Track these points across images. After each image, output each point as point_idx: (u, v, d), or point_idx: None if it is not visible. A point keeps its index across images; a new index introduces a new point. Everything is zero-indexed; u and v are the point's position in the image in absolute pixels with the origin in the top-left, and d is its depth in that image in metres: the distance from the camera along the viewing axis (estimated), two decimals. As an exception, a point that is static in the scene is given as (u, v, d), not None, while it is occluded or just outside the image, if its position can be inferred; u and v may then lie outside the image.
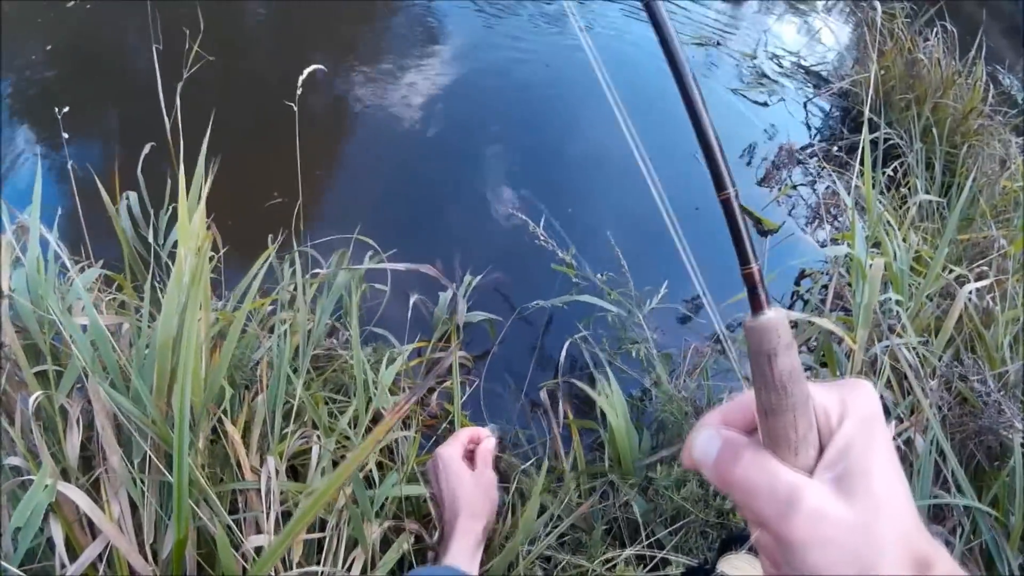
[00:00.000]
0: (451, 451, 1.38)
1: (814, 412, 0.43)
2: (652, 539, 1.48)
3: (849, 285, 1.86)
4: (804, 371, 0.44)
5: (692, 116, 0.45)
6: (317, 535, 1.29)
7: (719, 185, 0.44)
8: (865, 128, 1.90)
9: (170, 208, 1.81)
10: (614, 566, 1.43)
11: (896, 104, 2.93)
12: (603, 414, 1.65)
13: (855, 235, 1.65)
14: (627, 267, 1.88)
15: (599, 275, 1.93)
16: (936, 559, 0.40)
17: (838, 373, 1.63)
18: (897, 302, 1.73)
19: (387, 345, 1.74)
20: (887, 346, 1.62)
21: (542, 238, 1.97)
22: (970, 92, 2.87)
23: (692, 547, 1.46)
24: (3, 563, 1.01)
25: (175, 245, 1.62)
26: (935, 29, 3.10)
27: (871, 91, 2.77)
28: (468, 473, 1.35)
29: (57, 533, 1.10)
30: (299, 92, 1.58)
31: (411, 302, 1.91)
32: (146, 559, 1.12)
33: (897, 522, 0.39)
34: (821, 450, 0.42)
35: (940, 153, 2.67)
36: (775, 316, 0.43)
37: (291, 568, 1.21)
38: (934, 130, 2.73)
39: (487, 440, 1.46)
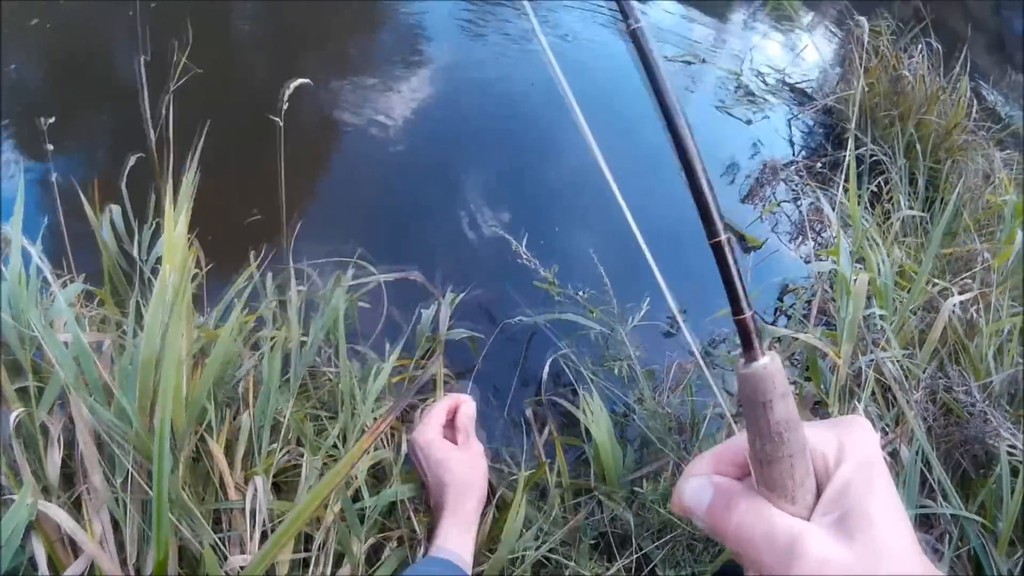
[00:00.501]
0: (428, 435, 1.31)
1: (810, 457, 0.42)
2: (640, 553, 1.48)
3: (833, 300, 1.88)
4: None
5: (681, 156, 0.44)
6: (303, 555, 1.28)
7: (710, 232, 0.43)
8: (851, 144, 1.92)
9: (154, 223, 1.80)
10: (601, 580, 1.43)
11: (880, 120, 2.96)
12: (587, 430, 1.66)
13: (840, 250, 1.67)
14: (609, 284, 1.89)
15: (580, 292, 1.94)
16: None
17: (822, 387, 1.64)
18: (881, 316, 1.75)
19: (369, 362, 1.74)
20: (872, 360, 1.64)
21: (524, 256, 1.97)
22: (954, 108, 2.90)
23: (680, 559, 1.47)
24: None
25: (159, 260, 1.62)
26: (920, 46, 3.14)
27: (856, 108, 2.81)
28: (453, 450, 1.30)
29: (39, 552, 1.10)
30: (285, 106, 1.59)
31: (383, 314, 1.90)
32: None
33: (900, 564, 0.38)
34: (818, 493, 0.42)
35: (923, 168, 2.70)
36: (770, 364, 0.42)
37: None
38: (918, 146, 2.77)
39: (465, 405, 1.41)
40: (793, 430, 0.41)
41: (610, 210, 2.03)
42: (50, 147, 1.87)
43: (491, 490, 1.55)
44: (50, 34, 2.73)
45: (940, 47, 3.14)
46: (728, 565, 1.40)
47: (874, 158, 2.70)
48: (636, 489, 1.55)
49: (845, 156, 2.66)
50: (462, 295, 2.02)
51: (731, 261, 0.43)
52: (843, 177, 2.15)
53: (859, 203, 2.17)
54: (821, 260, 1.97)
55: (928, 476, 1.51)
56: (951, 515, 1.46)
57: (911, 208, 2.45)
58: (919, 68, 3.01)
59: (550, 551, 1.46)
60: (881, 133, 2.91)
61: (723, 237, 0.43)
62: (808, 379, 1.72)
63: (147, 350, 1.12)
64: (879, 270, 1.80)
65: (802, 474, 0.41)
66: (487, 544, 1.48)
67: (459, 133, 2.73)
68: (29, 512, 1.05)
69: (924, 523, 1.52)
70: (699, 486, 0.45)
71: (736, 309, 0.43)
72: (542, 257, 1.98)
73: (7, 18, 2.62)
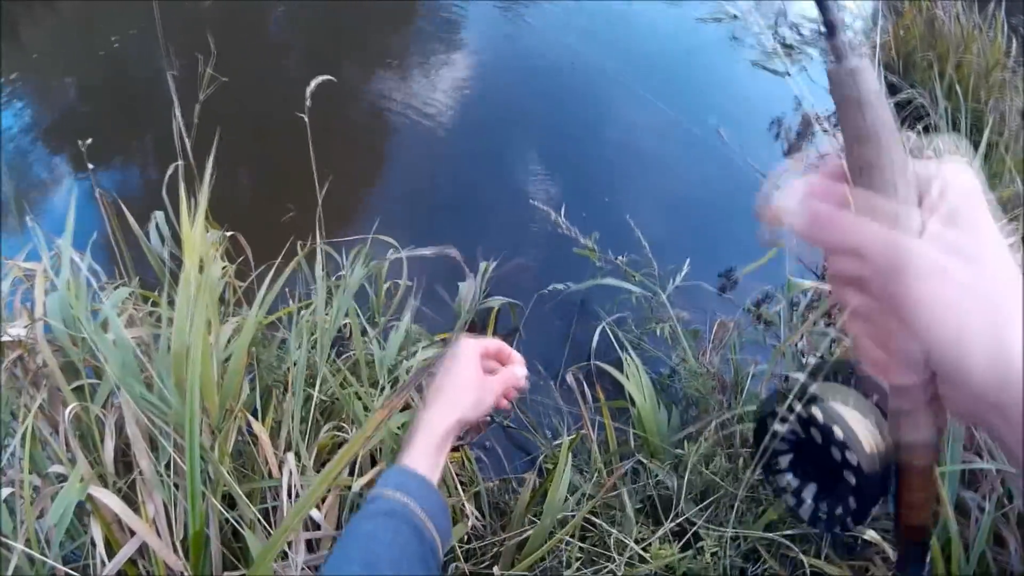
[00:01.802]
0: (472, 347, 1.06)
1: (915, 177, 0.39)
2: (683, 516, 1.48)
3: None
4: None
5: None
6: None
7: None
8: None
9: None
10: (648, 545, 1.44)
11: (919, 64, 2.86)
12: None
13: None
14: (649, 248, 1.88)
15: (620, 257, 1.94)
16: None
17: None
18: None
19: (411, 338, 1.77)
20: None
21: (563, 226, 1.98)
22: (991, 47, 2.79)
23: (723, 521, 1.46)
24: (48, 559, 1.08)
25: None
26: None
27: (892, 52, 2.73)
28: (475, 371, 1.05)
29: (96, 533, 1.15)
30: (308, 104, 1.61)
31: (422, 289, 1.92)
32: (177, 555, 1.14)
33: (1010, 274, 0.36)
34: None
35: (966, 110, 2.60)
36: (861, 62, 0.38)
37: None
38: (958, 88, 2.66)
39: (519, 368, 1.11)
40: (892, 133, 0.38)
41: (644, 176, 2.03)
42: (91, 165, 1.93)
43: (533, 460, 1.57)
44: (100, 54, 2.83)
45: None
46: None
47: (916, 102, 2.61)
48: (679, 451, 1.55)
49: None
50: (498, 264, 2.01)
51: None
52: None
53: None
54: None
55: (975, 431, 1.45)
56: (996, 471, 1.41)
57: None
58: (953, 7, 2.90)
59: (593, 514, 1.46)
60: (920, 77, 2.82)
61: None
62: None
63: (177, 339, 1.14)
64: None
65: (904, 189, 0.38)
66: (531, 509, 1.47)
67: (498, 114, 2.71)
68: (80, 492, 1.10)
69: (969, 481, 1.47)
70: (800, 185, 0.41)
71: (824, 9, 0.38)
72: (582, 228, 1.99)
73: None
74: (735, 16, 3.33)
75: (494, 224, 2.30)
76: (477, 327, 1.95)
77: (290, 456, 1.26)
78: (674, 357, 1.75)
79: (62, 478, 1.20)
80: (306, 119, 1.64)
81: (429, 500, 0.90)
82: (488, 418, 1.38)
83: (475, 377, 1.04)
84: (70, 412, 1.22)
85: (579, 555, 1.39)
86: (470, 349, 1.05)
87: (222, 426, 1.24)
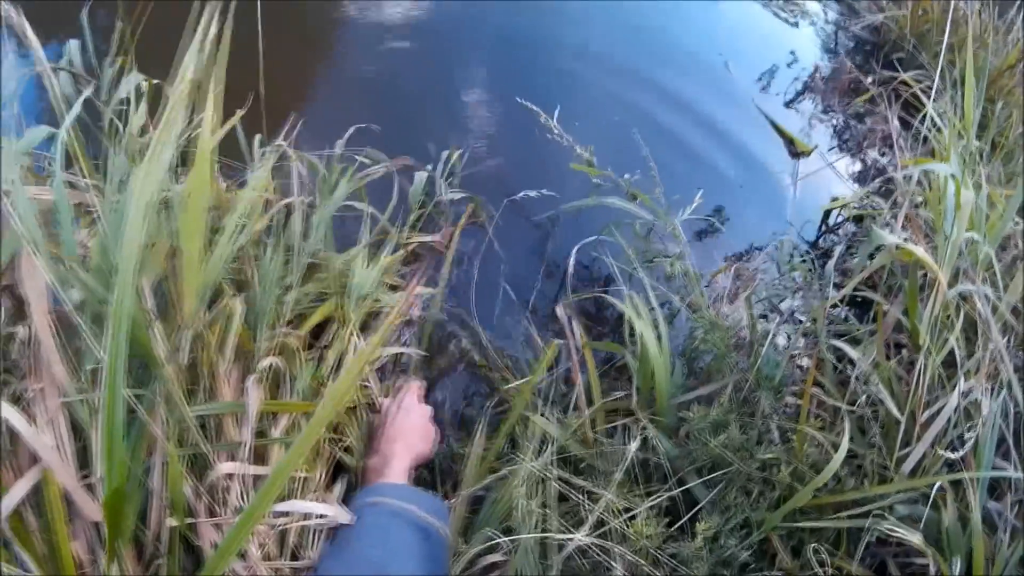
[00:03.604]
0: (415, 395, 1.32)
1: None
2: (681, 488, 1.21)
3: (920, 210, 1.61)
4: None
5: None
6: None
7: None
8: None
9: (117, 60, 1.41)
10: (633, 516, 1.16)
11: (931, 49, 2.72)
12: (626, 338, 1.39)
13: (951, 157, 1.39)
14: (656, 170, 1.59)
15: (626, 175, 1.63)
16: None
17: (919, 309, 1.37)
18: (975, 242, 1.49)
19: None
20: (967, 290, 1.39)
21: (556, 132, 1.64)
22: (1007, 48, 2.70)
23: (731, 504, 1.21)
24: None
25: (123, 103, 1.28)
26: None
27: (907, 29, 2.56)
28: (423, 418, 1.29)
29: None
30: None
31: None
32: (94, 501, 0.82)
33: None
34: None
35: (979, 101, 2.46)
36: None
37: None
38: (972, 79, 2.53)
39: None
40: None
41: (650, 102, 1.69)
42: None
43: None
44: None
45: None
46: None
47: (922, 84, 2.47)
48: (682, 415, 1.28)
49: (898, 77, 2.43)
50: (468, 161, 1.71)
51: None
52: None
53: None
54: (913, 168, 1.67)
55: (1005, 433, 1.28)
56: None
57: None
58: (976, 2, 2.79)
59: (575, 475, 1.19)
60: (930, 61, 2.68)
61: None
62: (891, 294, 1.47)
63: (144, 192, 0.81)
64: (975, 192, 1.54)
65: None
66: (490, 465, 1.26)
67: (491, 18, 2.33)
68: None
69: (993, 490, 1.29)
70: None
71: None
72: (577, 139, 1.65)
73: None
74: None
75: (474, 125, 1.93)
76: (440, 224, 1.61)
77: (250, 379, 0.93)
78: (680, 302, 1.46)
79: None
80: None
81: (426, 502, 1.02)
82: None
83: (421, 421, 1.27)
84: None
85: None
86: (414, 399, 1.30)
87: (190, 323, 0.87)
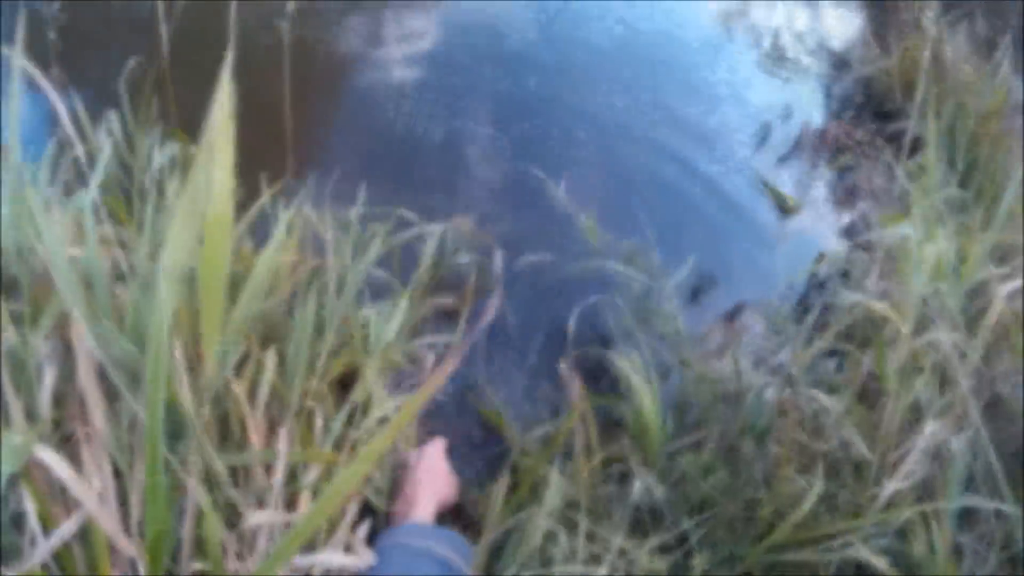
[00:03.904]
0: (439, 447, 1.40)
1: None
2: (675, 531, 1.36)
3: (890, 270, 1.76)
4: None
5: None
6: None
7: None
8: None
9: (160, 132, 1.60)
10: (632, 560, 1.31)
11: (919, 96, 2.85)
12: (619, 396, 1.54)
13: (915, 216, 1.55)
14: (651, 236, 1.76)
15: (624, 240, 1.81)
16: None
17: (884, 362, 1.51)
18: (941, 293, 1.63)
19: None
20: (932, 339, 1.53)
21: (561, 198, 1.82)
22: (994, 95, 2.80)
23: (718, 540, 1.35)
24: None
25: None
26: (965, 25, 3.02)
27: (895, 78, 2.69)
28: (444, 464, 1.38)
29: (29, 505, 0.92)
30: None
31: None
32: (130, 536, 0.95)
33: None
34: None
35: (964, 146, 2.60)
36: None
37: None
38: (957, 127, 2.66)
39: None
40: None
41: (644, 162, 1.87)
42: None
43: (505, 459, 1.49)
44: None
45: (987, 31, 3.03)
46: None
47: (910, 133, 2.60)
48: (674, 461, 1.43)
49: (888, 128, 2.57)
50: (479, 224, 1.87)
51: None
52: (898, 148, 2.03)
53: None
54: (881, 228, 1.83)
55: (972, 469, 1.41)
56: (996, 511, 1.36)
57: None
58: (962, 50, 2.90)
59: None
60: (918, 111, 2.81)
61: None
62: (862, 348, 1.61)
63: (172, 260, 0.93)
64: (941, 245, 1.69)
65: None
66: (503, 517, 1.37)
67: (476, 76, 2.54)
68: (19, 455, 0.87)
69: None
70: None
71: None
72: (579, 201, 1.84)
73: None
74: (738, 16, 3.26)
75: (478, 187, 2.12)
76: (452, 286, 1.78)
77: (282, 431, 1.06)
78: (672, 358, 1.62)
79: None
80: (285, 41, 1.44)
81: (449, 540, 1.10)
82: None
83: (446, 469, 1.37)
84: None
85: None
86: (438, 449, 1.39)
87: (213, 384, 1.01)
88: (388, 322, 1.48)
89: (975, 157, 2.67)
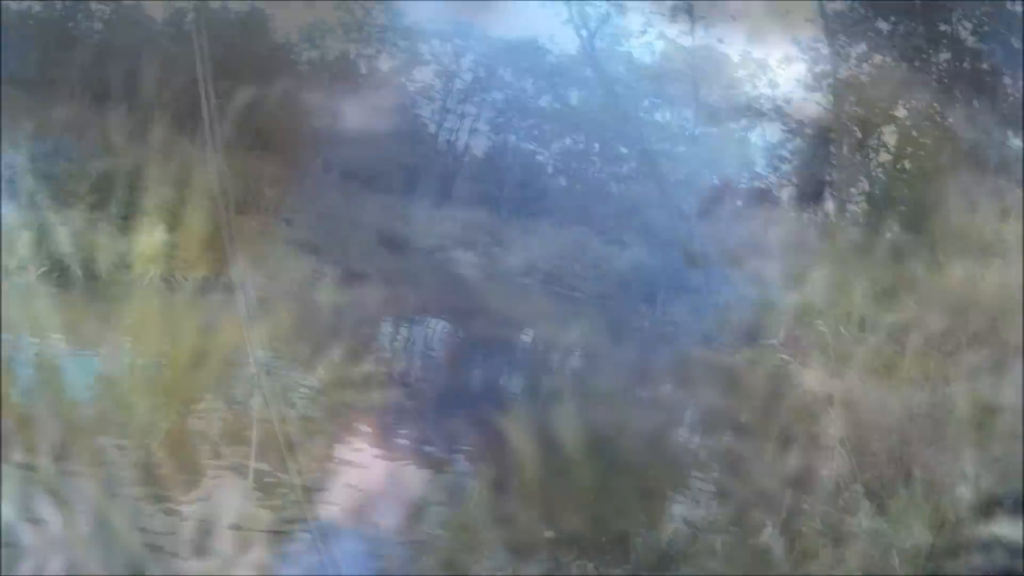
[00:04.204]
0: None
1: None
2: None
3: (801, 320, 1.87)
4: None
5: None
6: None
7: None
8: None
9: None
10: None
11: (867, 150, 2.99)
12: None
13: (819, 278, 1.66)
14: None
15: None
16: None
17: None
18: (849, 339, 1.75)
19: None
20: (838, 383, 1.66)
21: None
22: (939, 150, 2.93)
23: None
24: None
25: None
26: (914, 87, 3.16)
27: (844, 136, 2.82)
28: None
29: None
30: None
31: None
32: None
33: None
34: None
35: (902, 197, 2.73)
36: None
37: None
38: (900, 179, 2.80)
39: None
40: None
41: None
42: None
43: None
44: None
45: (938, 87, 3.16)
46: None
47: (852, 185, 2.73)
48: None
49: (827, 178, 2.69)
50: None
51: None
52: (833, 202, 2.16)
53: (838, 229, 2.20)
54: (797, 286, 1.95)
55: None
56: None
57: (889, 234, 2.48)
58: (914, 107, 3.04)
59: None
60: (864, 161, 2.94)
61: None
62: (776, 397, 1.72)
63: None
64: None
65: None
66: None
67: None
68: None
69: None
70: None
71: None
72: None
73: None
74: (700, 77, 3.43)
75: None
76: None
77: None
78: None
79: None
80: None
81: None
82: None
83: None
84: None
85: None
86: None
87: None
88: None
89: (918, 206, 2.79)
